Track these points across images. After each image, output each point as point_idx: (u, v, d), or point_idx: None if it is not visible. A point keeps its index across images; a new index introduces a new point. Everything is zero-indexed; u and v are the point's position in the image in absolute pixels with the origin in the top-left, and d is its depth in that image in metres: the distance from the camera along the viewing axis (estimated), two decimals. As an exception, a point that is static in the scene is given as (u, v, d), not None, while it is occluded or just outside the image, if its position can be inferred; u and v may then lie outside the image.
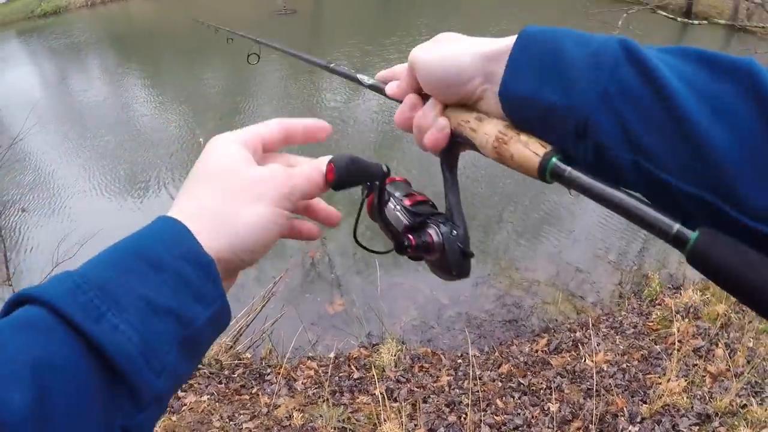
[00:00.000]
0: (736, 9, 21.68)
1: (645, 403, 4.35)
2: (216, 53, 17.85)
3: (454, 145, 0.73)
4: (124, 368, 0.47)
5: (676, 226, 0.49)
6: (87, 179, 9.74)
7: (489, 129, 0.65)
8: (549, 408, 4.40)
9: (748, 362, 4.58)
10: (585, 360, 4.95)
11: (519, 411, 4.43)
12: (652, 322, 5.48)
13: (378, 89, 0.84)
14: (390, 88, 0.78)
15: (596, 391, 4.43)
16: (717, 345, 4.89)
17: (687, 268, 7.10)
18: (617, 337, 5.35)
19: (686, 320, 5.33)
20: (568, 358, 5.06)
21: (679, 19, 10.82)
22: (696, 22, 10.85)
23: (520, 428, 4.25)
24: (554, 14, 22.95)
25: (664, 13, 9.26)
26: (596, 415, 4.18)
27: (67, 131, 12.22)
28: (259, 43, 1.74)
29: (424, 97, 0.74)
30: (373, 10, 25.46)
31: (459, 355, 5.36)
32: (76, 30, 23.99)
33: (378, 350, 5.25)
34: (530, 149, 0.61)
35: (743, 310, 5.36)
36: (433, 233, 0.76)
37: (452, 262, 0.75)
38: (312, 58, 1.16)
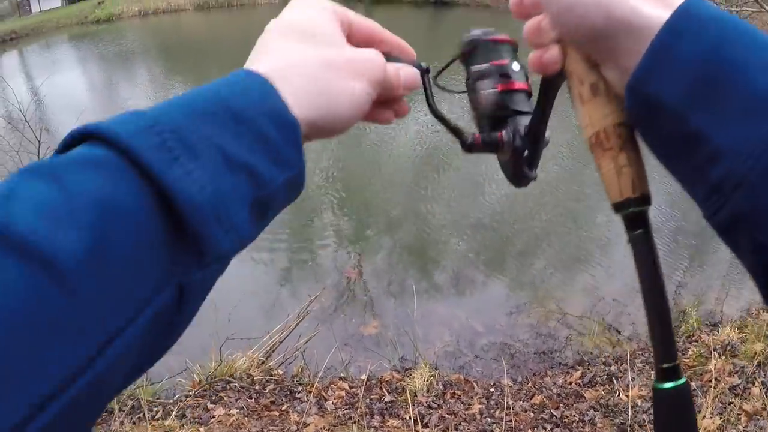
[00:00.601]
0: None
1: (679, 440, 4.27)
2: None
3: (560, 77, 0.61)
4: (192, 219, 0.43)
5: None
6: None
7: (596, 117, 0.56)
8: (581, 441, 4.35)
9: (786, 403, 4.49)
10: (619, 394, 4.89)
11: (551, 443, 4.39)
12: (689, 358, 5.39)
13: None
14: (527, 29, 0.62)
15: (630, 425, 4.36)
16: (754, 383, 4.79)
17: (725, 305, 6.99)
18: (653, 372, 5.25)
19: (723, 358, 5.23)
20: (602, 392, 4.99)
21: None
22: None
23: (551, 460, 4.21)
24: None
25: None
26: (629, 450, 4.13)
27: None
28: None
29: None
30: (421, 37, 25.70)
31: (492, 383, 5.33)
32: (127, 38, 24.49)
33: (410, 374, 5.24)
34: (620, 180, 0.55)
35: (786, 349, 5.26)
36: (505, 134, 0.68)
37: (510, 171, 0.71)
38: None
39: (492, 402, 4.93)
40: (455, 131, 0.72)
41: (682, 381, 0.53)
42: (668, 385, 0.53)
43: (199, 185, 0.43)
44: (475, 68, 0.72)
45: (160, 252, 0.42)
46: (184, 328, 0.49)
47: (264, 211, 0.51)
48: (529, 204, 9.54)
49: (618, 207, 0.56)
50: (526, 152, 0.68)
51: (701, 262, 8.38)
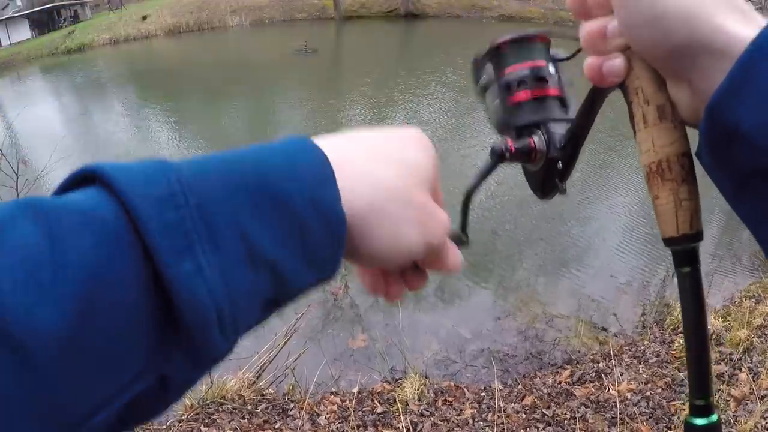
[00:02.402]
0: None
1: (669, 429, 4.32)
2: (237, 94, 18.20)
3: (607, 92, 0.58)
4: (192, 323, 0.37)
5: None
6: None
7: (659, 143, 0.51)
8: (574, 438, 4.38)
9: (773, 386, 4.55)
10: (608, 390, 4.93)
11: (544, 442, 4.42)
12: (675, 350, 5.44)
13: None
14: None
15: (620, 419, 4.40)
16: (740, 370, 4.86)
17: (709, 296, 7.07)
18: (640, 366, 5.32)
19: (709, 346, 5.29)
20: (592, 389, 5.03)
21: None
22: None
23: (545, 459, 4.24)
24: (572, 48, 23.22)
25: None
26: (621, 443, 4.17)
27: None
28: None
29: None
30: (393, 50, 25.86)
31: (482, 388, 5.36)
32: (99, 67, 24.49)
33: (401, 384, 5.26)
34: (679, 215, 0.51)
35: (765, 335, 5.33)
36: (537, 142, 0.64)
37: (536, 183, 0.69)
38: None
39: (483, 406, 4.95)
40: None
41: (714, 419, 0.52)
42: (700, 421, 0.52)
43: (208, 286, 0.37)
44: (507, 69, 0.65)
45: (148, 339, 0.37)
46: (165, 409, 0.43)
47: (277, 306, 0.47)
48: (511, 209, 9.61)
49: (672, 242, 0.52)
50: (559, 163, 0.64)
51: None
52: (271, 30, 30.79)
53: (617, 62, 0.52)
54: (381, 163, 0.49)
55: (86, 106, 18.51)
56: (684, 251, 0.51)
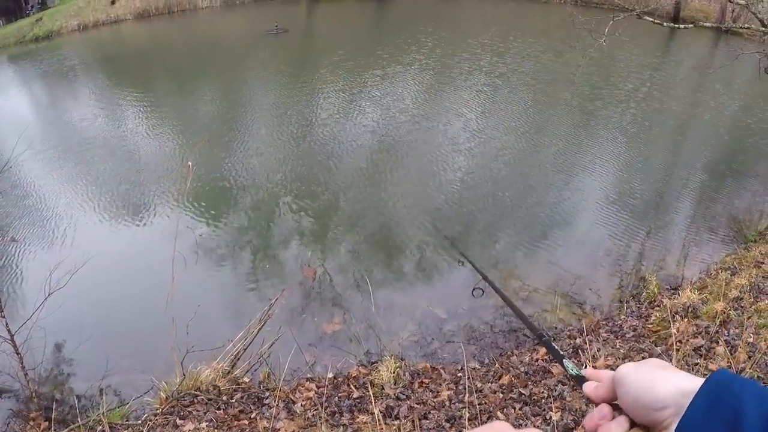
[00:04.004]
0: (722, 12, 21.86)
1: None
2: (209, 76, 17.98)
3: None
4: None
5: None
6: (77, 205, 9.66)
7: None
8: (551, 417, 4.35)
9: (749, 357, 4.54)
10: (586, 366, 4.90)
11: (521, 422, 4.37)
12: (652, 324, 5.44)
13: (580, 383, 0.89)
14: (588, 387, 0.85)
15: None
16: (717, 343, 4.85)
17: (685, 268, 7.09)
18: (617, 341, 5.31)
19: (685, 320, 5.28)
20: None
21: (665, 24, 10.90)
22: (682, 26, 10.92)
23: (522, 439, 4.19)
24: (539, 24, 23.16)
25: (651, 19, 9.32)
26: (598, 421, 4.13)
27: (56, 157, 12.11)
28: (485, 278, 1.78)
29: (614, 408, 0.79)
30: (363, 29, 25.65)
31: (459, 368, 5.31)
32: (68, 53, 23.91)
33: (377, 368, 5.20)
34: None
35: (741, 307, 5.33)
36: None
37: None
38: (532, 324, 1.21)
39: (461, 387, 4.91)
40: None
41: None
42: None
43: None
44: None
45: None
46: None
47: None
48: (486, 187, 9.58)
49: None
50: None
51: (658, 229, 8.49)
52: (242, 11, 30.39)
53: None
54: None
55: (55, 94, 18.12)
56: None
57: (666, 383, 0.72)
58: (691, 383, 0.70)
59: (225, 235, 8.29)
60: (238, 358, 5.37)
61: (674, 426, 0.69)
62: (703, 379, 0.69)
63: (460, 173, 10.10)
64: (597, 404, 0.83)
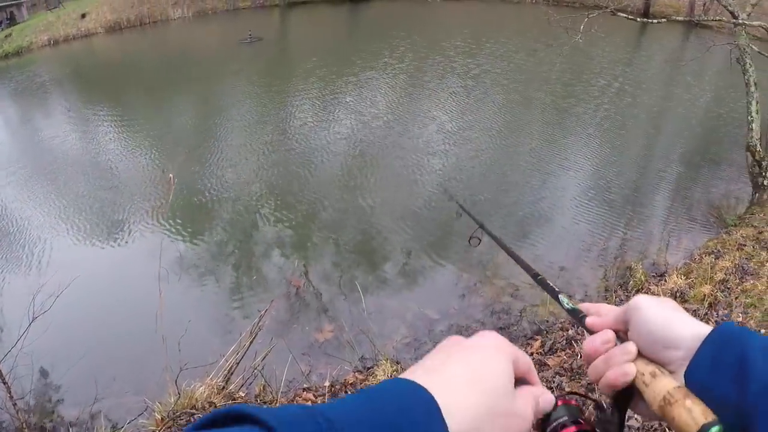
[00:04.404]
0: (692, 6, 22.20)
1: (645, 390, 4.33)
2: (182, 88, 17.83)
3: (629, 391, 0.75)
4: None
5: None
6: (57, 226, 9.44)
7: (659, 387, 0.69)
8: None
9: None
10: (580, 356, 4.92)
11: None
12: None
13: (576, 316, 0.89)
14: (591, 321, 0.83)
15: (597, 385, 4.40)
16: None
17: (668, 254, 7.16)
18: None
19: (674, 305, 5.33)
20: (564, 357, 5.03)
21: (638, 19, 11.02)
22: (655, 20, 11.05)
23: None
24: (512, 25, 23.32)
25: (624, 15, 9.42)
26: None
27: (32, 176, 11.85)
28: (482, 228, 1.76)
29: (617, 337, 0.79)
30: (337, 35, 25.65)
31: (455, 367, 5.31)
32: (38, 70, 23.42)
33: (373, 373, 5.18)
34: (692, 416, 0.64)
35: (728, 288, 5.39)
36: None
37: None
38: (525, 263, 1.18)
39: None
40: None
41: None
42: None
43: None
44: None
45: None
46: None
47: None
48: (463, 188, 9.60)
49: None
50: None
51: (639, 218, 8.58)
52: (215, 20, 30.23)
53: (628, 367, 0.73)
54: (472, 395, 0.60)
55: (27, 112, 17.77)
56: None
57: (683, 325, 0.73)
58: (704, 330, 0.71)
59: (208, 249, 8.23)
60: (232, 373, 5.31)
61: (683, 369, 0.70)
62: (708, 327, 0.71)
63: (436, 176, 10.12)
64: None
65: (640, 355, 0.75)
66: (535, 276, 1.08)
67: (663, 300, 0.77)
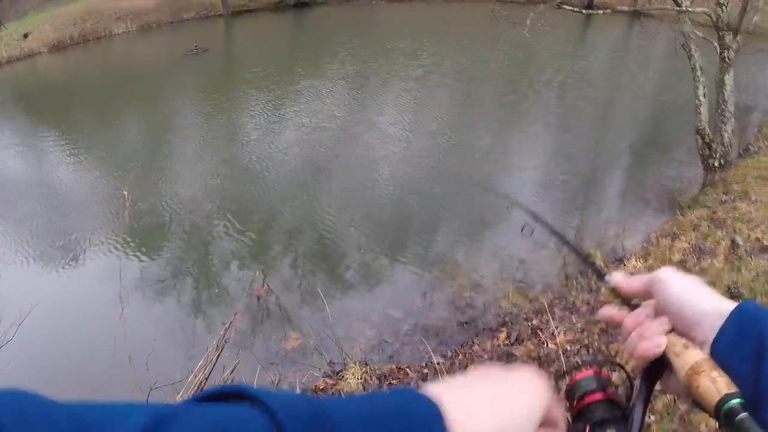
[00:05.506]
0: (635, -5, 22.61)
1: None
2: (130, 105, 17.53)
3: (658, 365, 0.77)
4: None
5: None
6: (12, 253, 9.07)
7: (690, 357, 0.72)
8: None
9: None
10: (547, 345, 4.99)
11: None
12: (603, 296, 5.57)
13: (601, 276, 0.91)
14: (617, 278, 0.86)
15: (566, 370, 4.45)
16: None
17: (626, 239, 7.29)
18: (573, 316, 5.41)
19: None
20: (531, 346, 5.09)
21: (584, 11, 11.20)
22: (600, 12, 11.25)
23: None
24: (455, 24, 23.48)
25: (569, 7, 9.55)
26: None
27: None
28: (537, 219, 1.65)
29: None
30: (282, 43, 25.50)
31: (424, 365, 5.33)
32: None
33: (343, 377, 5.17)
34: (716, 386, 0.67)
35: (686, 268, 5.51)
36: None
37: None
38: (575, 248, 1.19)
39: (428, 383, 4.91)
40: None
41: None
42: None
43: None
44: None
45: None
46: None
47: None
48: (418, 182, 9.64)
49: (718, 405, 0.66)
50: None
51: (596, 207, 8.73)
52: (159, 34, 29.73)
53: (660, 339, 0.76)
54: (489, 418, 0.57)
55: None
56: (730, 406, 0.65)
57: (709, 299, 0.75)
58: (727, 306, 0.73)
59: (167, 266, 8.10)
60: (202, 388, 5.24)
61: (707, 344, 0.72)
62: (732, 303, 0.73)
63: (387, 178, 10.12)
64: (624, 297, 0.85)
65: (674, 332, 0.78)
66: (585, 259, 1.09)
67: (687, 275, 0.80)
